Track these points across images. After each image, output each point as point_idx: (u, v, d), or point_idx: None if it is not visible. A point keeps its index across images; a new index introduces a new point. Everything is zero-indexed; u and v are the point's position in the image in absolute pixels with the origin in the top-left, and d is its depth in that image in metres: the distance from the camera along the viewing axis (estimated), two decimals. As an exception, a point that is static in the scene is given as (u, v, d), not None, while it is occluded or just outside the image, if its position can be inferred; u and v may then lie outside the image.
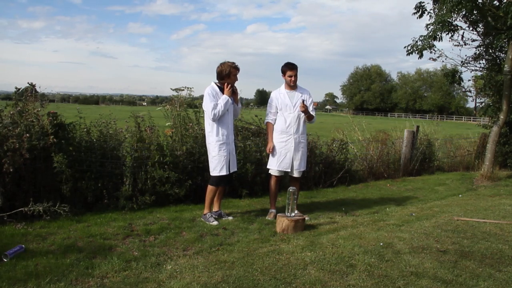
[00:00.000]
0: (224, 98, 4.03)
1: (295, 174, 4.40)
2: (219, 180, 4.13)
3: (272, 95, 4.46)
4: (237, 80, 4.20)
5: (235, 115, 4.37)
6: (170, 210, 4.56)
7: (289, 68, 4.28)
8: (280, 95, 4.37)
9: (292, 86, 4.34)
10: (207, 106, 4.00)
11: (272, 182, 4.47)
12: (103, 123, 4.87)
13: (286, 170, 4.37)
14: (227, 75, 4.07)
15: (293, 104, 4.31)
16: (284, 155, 4.34)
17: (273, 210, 4.45)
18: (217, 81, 4.15)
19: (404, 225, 4.11)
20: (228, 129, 4.14)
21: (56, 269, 2.78)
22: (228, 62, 4.09)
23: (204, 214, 4.18)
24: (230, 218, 4.27)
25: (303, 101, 4.24)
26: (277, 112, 4.37)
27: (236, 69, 4.13)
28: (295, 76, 4.29)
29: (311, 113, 4.34)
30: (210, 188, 4.18)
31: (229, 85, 4.08)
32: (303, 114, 4.29)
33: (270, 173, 4.49)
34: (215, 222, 4.04)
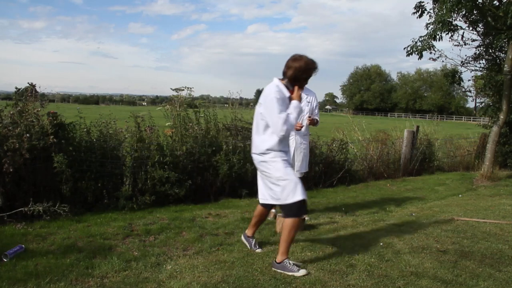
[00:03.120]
0: (296, 107, 2.93)
1: (296, 175, 4.39)
2: (298, 207, 2.83)
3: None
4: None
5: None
6: (170, 210, 4.56)
7: None
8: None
9: None
10: (273, 117, 2.84)
11: None
12: (103, 123, 4.87)
13: None
14: (305, 76, 3.00)
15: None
16: None
17: (273, 210, 4.45)
18: (282, 79, 3.00)
19: (404, 225, 4.11)
20: (288, 142, 3.15)
21: (56, 269, 2.78)
22: (309, 58, 2.99)
23: (279, 263, 2.86)
24: (259, 250, 3.32)
25: (309, 116, 4.22)
26: None
27: (315, 71, 3.08)
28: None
29: (316, 117, 4.33)
30: (291, 222, 2.83)
31: (299, 88, 3.01)
32: (306, 115, 4.28)
33: None
34: (302, 271, 2.79)
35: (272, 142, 2.89)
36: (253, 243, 3.35)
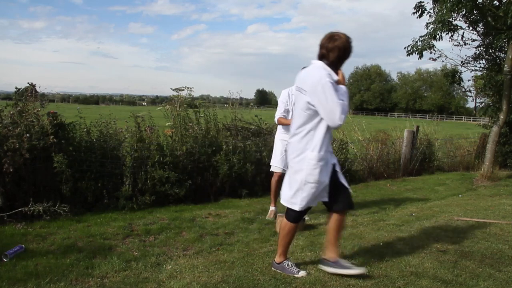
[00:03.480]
0: (346, 92, 2.62)
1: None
2: (299, 215, 2.78)
3: (284, 93, 4.35)
4: None
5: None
6: (170, 210, 4.56)
7: None
8: (291, 96, 4.27)
9: None
10: (331, 105, 2.47)
11: (273, 178, 4.44)
12: (103, 123, 4.87)
13: (285, 168, 4.35)
14: (347, 56, 2.66)
15: None
16: (285, 154, 4.33)
17: (273, 208, 4.45)
18: (327, 63, 2.61)
19: (404, 225, 4.11)
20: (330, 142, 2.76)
21: (56, 269, 2.78)
22: (346, 34, 2.65)
23: (279, 263, 2.82)
24: (361, 270, 2.74)
25: None
26: (288, 111, 4.30)
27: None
28: None
29: None
30: (288, 226, 2.77)
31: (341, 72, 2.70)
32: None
33: (272, 170, 4.47)
34: (302, 273, 2.76)
35: (319, 137, 2.58)
36: (347, 265, 2.75)
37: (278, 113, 4.32)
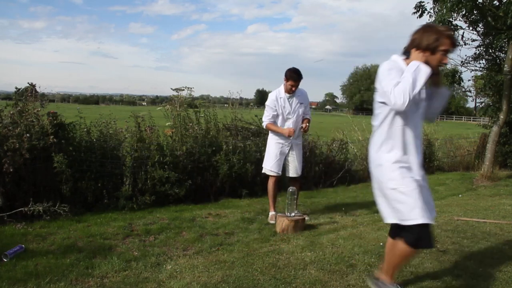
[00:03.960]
0: (425, 71, 2.14)
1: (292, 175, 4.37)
2: (420, 236, 2.15)
3: (271, 97, 4.28)
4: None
5: (429, 117, 2.50)
6: (170, 210, 4.56)
7: (294, 79, 4.12)
8: (280, 100, 4.24)
9: (291, 93, 4.24)
10: (386, 84, 2.15)
11: (270, 183, 4.35)
12: (103, 123, 4.87)
13: (280, 172, 4.33)
14: (434, 48, 2.22)
15: (292, 110, 4.24)
16: (280, 158, 4.30)
17: (273, 213, 4.34)
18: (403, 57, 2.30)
19: (404, 225, 4.10)
20: (417, 142, 2.36)
21: (56, 269, 2.78)
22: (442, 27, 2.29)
23: (382, 281, 2.44)
24: None
25: (301, 127, 4.22)
26: (276, 116, 4.27)
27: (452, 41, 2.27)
28: (297, 86, 4.19)
29: (307, 116, 4.31)
30: (405, 250, 2.23)
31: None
32: (300, 117, 4.28)
33: (266, 174, 4.38)
34: None
35: (382, 136, 2.31)
36: None
37: (266, 118, 4.25)
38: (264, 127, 4.35)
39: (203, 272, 2.81)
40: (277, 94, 4.27)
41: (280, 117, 4.28)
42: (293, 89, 4.18)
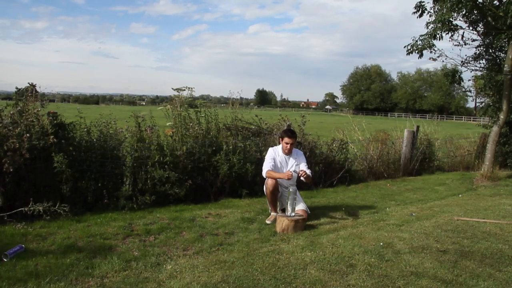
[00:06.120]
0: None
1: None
2: None
3: (271, 152, 4.40)
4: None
5: None
6: (170, 210, 4.56)
7: (288, 136, 4.32)
8: (277, 157, 4.40)
9: (287, 152, 4.38)
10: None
11: (269, 187, 4.18)
12: (103, 123, 4.87)
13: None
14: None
15: (288, 168, 4.35)
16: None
17: (275, 213, 4.30)
18: None
19: (404, 225, 4.11)
20: None
21: (56, 269, 2.78)
22: None
23: None
24: None
25: (297, 173, 4.20)
26: (276, 166, 4.35)
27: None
28: (292, 144, 4.33)
29: (307, 172, 4.18)
30: None
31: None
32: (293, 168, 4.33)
33: (265, 177, 4.29)
34: None
35: None
36: None
37: (267, 167, 4.28)
38: (265, 175, 4.29)
39: (203, 272, 2.81)
40: (275, 150, 4.44)
41: (278, 167, 4.39)
42: (289, 147, 4.32)
